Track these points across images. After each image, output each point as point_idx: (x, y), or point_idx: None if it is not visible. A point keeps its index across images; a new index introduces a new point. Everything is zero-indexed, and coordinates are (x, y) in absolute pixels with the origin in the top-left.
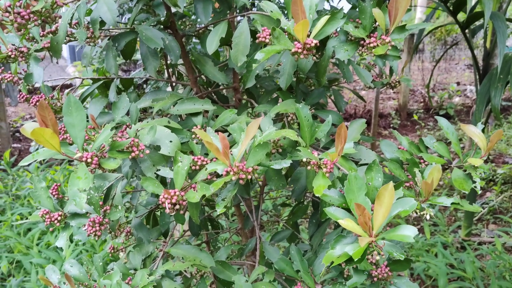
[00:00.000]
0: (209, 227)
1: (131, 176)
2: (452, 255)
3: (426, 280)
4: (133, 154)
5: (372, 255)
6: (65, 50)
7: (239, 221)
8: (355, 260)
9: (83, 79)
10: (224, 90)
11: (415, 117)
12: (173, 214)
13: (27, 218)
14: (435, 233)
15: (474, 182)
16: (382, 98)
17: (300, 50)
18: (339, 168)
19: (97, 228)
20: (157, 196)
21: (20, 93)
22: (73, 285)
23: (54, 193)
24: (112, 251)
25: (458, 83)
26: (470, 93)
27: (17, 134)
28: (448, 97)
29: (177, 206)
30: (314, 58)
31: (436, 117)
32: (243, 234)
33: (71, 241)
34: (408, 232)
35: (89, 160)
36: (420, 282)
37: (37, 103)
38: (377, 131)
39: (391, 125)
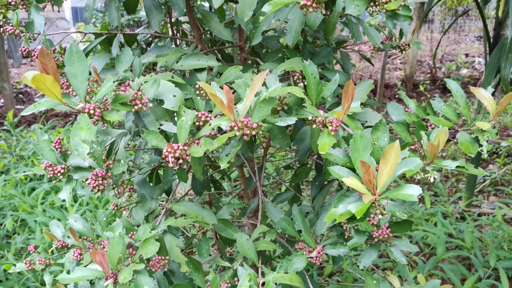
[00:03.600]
0: (212, 188)
1: (134, 132)
2: (452, 225)
3: (425, 248)
4: (136, 107)
5: (374, 216)
6: (67, 11)
7: (242, 182)
8: (358, 218)
9: (85, 34)
10: (229, 50)
11: (421, 88)
12: (176, 168)
13: (31, 178)
14: (436, 203)
15: (480, 146)
16: (389, 69)
17: (309, 3)
18: (344, 129)
19: (100, 182)
20: (160, 153)
21: (22, 46)
22: (77, 238)
23: (57, 147)
24: (116, 208)
25: (466, 55)
26: (478, 65)
27: (20, 95)
28: (456, 69)
29: (180, 161)
30: (323, 12)
31: (445, 79)
32: (245, 196)
33: (75, 201)
34: (412, 191)
35: (91, 111)
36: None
37: None
38: (382, 102)
39: (396, 96)
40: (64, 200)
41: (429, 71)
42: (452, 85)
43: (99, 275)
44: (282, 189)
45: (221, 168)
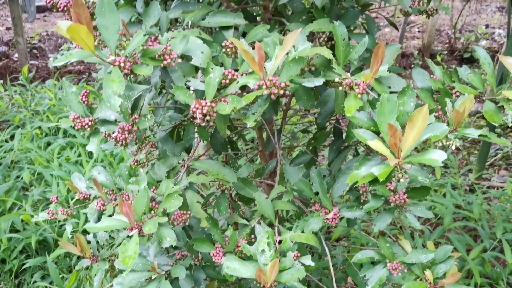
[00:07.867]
0: (229, 149)
1: (159, 87)
2: (460, 196)
3: (432, 218)
4: (165, 62)
5: (391, 182)
6: None
7: (260, 144)
8: (380, 180)
9: None
10: (253, 9)
11: (438, 58)
12: (200, 124)
13: (46, 133)
14: (446, 174)
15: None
16: (406, 37)
17: None
18: (368, 94)
19: (126, 135)
20: (180, 111)
21: None
22: (100, 190)
23: (84, 100)
24: (135, 163)
25: (486, 26)
26: (498, 37)
27: (34, 50)
28: (475, 40)
29: (207, 117)
30: None
31: (474, 47)
32: (262, 157)
33: (90, 157)
34: (437, 156)
35: (122, 64)
36: (425, 219)
37: (65, 7)
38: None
39: (412, 66)
40: (79, 155)
41: (447, 41)
42: (481, 52)
43: (125, 226)
44: (293, 155)
45: (248, 127)
